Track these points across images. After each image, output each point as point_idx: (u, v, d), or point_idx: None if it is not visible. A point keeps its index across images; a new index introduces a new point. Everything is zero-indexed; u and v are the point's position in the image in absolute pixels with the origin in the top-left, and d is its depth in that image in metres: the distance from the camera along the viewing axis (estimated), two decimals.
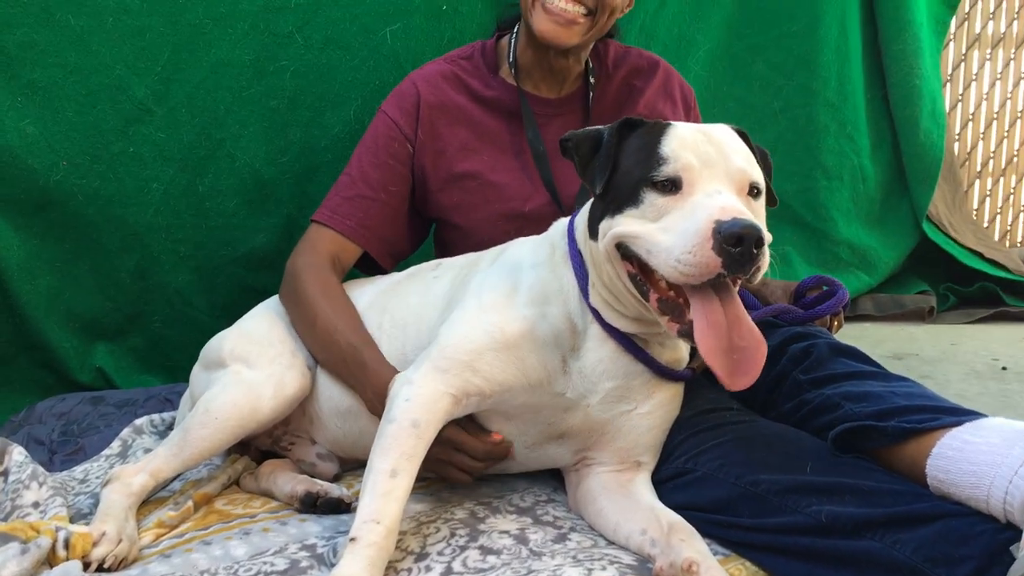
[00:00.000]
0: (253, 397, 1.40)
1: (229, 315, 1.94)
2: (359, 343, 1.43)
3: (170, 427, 1.69)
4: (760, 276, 1.09)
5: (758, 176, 1.18)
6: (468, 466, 1.33)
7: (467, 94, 1.69)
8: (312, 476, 1.48)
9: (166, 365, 2.10)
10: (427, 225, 1.77)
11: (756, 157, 1.22)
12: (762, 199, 1.19)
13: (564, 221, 1.37)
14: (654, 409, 1.31)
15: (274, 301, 1.61)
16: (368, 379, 1.38)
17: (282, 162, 2.07)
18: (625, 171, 1.18)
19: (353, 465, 1.55)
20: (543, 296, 1.28)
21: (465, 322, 1.28)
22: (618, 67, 1.76)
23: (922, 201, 3.31)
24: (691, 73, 2.68)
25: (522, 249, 1.38)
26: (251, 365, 1.44)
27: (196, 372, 1.55)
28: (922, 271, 3.39)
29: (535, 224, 1.53)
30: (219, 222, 2.05)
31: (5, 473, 1.40)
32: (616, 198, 1.18)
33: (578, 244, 1.29)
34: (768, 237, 1.08)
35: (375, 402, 1.36)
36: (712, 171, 1.13)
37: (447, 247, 1.74)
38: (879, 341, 2.82)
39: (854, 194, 3.19)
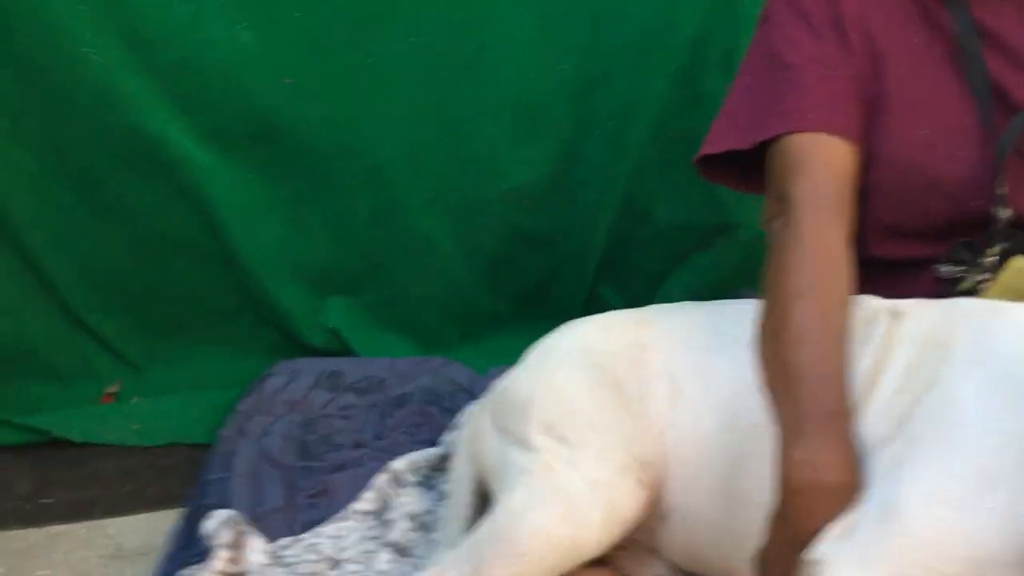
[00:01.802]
0: (575, 524, 0.94)
1: (490, 266, 1.64)
2: (829, 375, 0.87)
3: (435, 469, 1.29)
4: None
5: None
6: None
7: None
8: None
9: (412, 324, 1.71)
10: None
11: None
12: None
13: None
14: None
15: (592, 332, 1.11)
16: (811, 445, 0.84)
17: (559, 72, 1.54)
18: None
19: None
20: None
21: (946, 500, 0.75)
22: None
23: None
24: None
25: (1018, 346, 0.81)
26: (569, 458, 0.98)
27: (485, 427, 1.10)
28: None
29: (953, 204, 1.01)
30: (477, 151, 1.58)
31: None
32: None
33: None
34: None
35: (792, 489, 0.83)
36: None
37: None
38: None
39: None
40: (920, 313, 0.92)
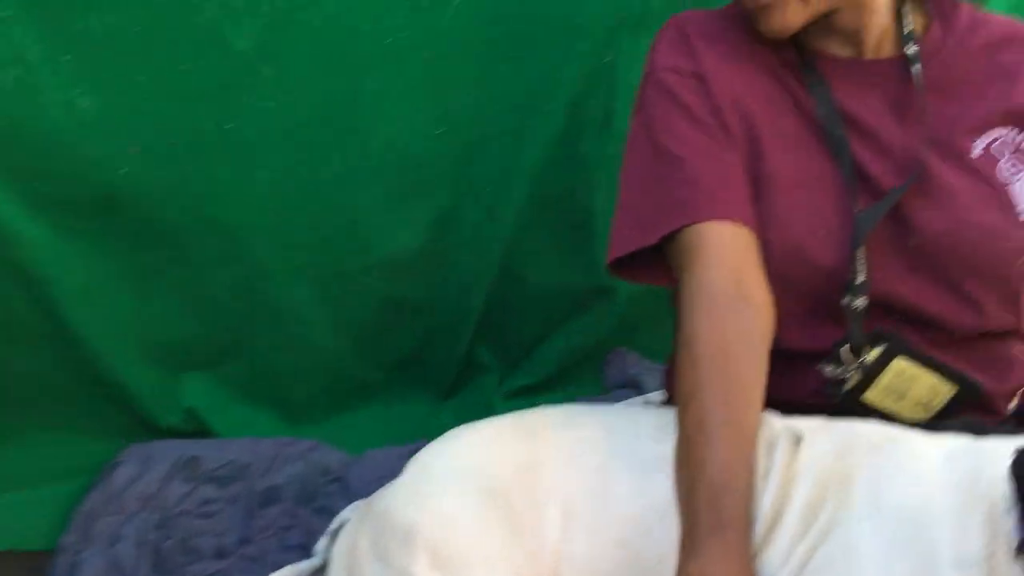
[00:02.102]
0: None
1: (361, 335, 1.59)
2: (723, 481, 0.85)
3: None
4: None
5: None
6: None
7: (745, 30, 1.09)
8: None
9: (277, 398, 1.60)
10: None
11: None
12: None
13: None
14: None
15: (478, 447, 1.02)
16: (703, 557, 0.82)
17: (436, 135, 1.46)
18: None
19: None
20: None
21: None
22: (972, 33, 1.11)
23: None
24: None
25: (913, 493, 0.81)
26: None
27: (364, 551, 1.00)
28: None
29: (834, 289, 1.00)
30: (347, 219, 1.48)
31: None
32: None
33: None
34: None
35: None
36: None
37: None
38: None
39: None
40: (818, 441, 0.91)
